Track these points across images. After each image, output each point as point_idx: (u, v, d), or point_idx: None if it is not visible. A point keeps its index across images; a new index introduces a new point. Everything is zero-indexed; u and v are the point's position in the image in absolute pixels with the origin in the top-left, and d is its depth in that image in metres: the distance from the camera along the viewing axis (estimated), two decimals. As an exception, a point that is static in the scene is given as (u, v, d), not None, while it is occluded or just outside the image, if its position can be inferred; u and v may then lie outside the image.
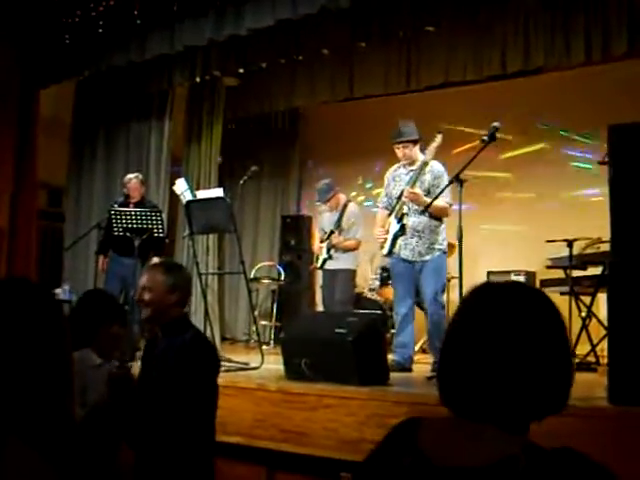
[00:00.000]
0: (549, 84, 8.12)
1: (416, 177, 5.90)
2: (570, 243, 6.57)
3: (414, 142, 6.08)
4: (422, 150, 6.08)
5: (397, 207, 5.97)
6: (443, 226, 6.00)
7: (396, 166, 6.26)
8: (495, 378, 1.38)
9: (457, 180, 5.32)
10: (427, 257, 5.92)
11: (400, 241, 5.95)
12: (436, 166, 5.97)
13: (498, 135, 5.31)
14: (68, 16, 7.65)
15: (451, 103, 8.74)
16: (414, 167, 6.03)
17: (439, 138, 5.81)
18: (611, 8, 6.63)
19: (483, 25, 7.33)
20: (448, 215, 5.98)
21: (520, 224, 8.49)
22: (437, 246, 5.92)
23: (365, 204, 9.40)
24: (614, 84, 7.67)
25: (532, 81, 8.06)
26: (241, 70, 8.15)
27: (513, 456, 1.31)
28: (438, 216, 5.92)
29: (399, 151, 6.10)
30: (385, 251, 6.06)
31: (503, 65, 7.40)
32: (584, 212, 7.66)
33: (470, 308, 1.49)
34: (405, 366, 5.93)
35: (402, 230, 5.92)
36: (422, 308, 6.33)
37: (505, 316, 1.42)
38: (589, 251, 6.65)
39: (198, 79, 8.20)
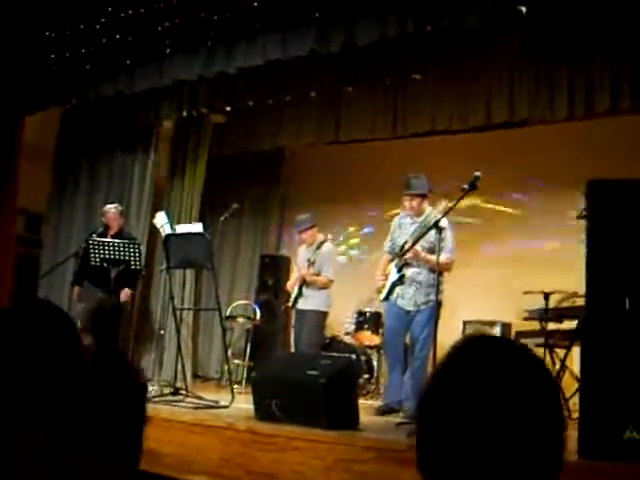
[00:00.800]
0: (534, 137, 8.20)
1: (421, 232, 5.94)
2: (547, 295, 6.60)
3: (422, 197, 6.20)
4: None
5: (398, 257, 6.13)
6: (442, 280, 5.99)
7: (403, 214, 6.42)
8: (484, 450, 1.22)
9: (436, 228, 5.35)
10: (422, 307, 6.06)
11: (398, 289, 6.12)
12: (441, 222, 5.96)
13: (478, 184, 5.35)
14: (58, 44, 7.65)
15: (436, 151, 8.81)
16: (420, 219, 6.15)
17: (444, 204, 5.80)
18: (594, 64, 6.76)
19: (469, 75, 7.45)
20: (450, 269, 6.14)
21: (498, 274, 8.50)
22: (432, 297, 5.87)
23: (341, 248, 9.43)
24: (597, 140, 7.76)
25: (517, 133, 8.14)
26: (228, 108, 8.19)
27: None
28: (441, 270, 5.87)
29: (407, 202, 6.25)
30: (382, 297, 6.25)
31: (488, 116, 7.50)
32: (562, 265, 7.69)
33: (453, 369, 1.32)
34: (394, 408, 6.06)
35: (401, 280, 6.11)
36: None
37: (495, 377, 1.26)
38: (565, 304, 6.68)
39: (185, 114, 8.22)
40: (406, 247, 6.03)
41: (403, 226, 6.33)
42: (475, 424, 1.22)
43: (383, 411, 6.11)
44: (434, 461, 1.27)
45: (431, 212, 6.11)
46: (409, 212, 6.29)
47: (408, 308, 6.11)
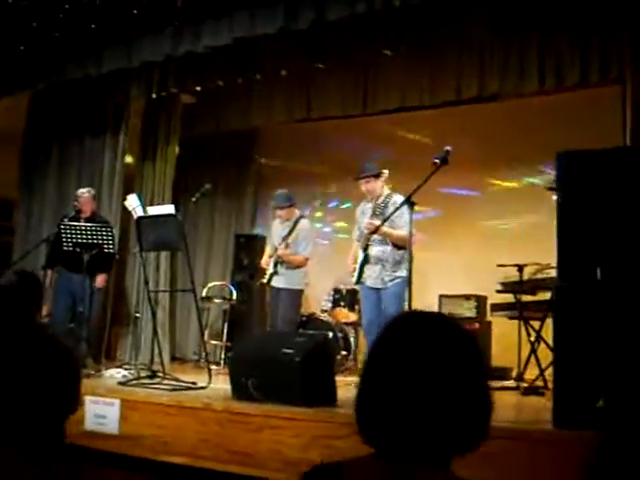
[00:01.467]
0: (503, 111, 8.22)
1: (377, 209, 6.13)
2: (520, 268, 6.64)
3: (375, 177, 6.30)
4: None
5: (363, 238, 6.26)
6: (407, 255, 6.01)
7: (364, 201, 6.50)
8: (414, 414, 1.36)
9: (408, 203, 5.36)
10: (389, 284, 6.15)
11: (366, 269, 6.24)
12: (397, 198, 6.14)
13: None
14: (24, 27, 7.53)
15: (407, 127, 8.81)
16: (379, 201, 6.22)
17: (385, 173, 6.01)
18: (564, 39, 6.79)
19: (439, 51, 7.44)
20: (410, 243, 6.04)
21: (472, 249, 8.54)
22: (399, 274, 6.11)
23: (316, 225, 9.41)
24: (566, 112, 7.80)
25: (487, 108, 8.14)
26: (198, 88, 8.13)
27: None
28: (400, 245, 6.08)
29: (363, 186, 6.35)
30: (354, 280, 6.38)
31: (458, 91, 7.50)
32: (535, 237, 7.73)
33: (388, 341, 1.47)
34: None
35: (366, 259, 6.23)
36: None
37: (423, 349, 1.41)
38: (539, 276, 6.71)
39: (154, 95, 8.15)
40: (365, 224, 6.14)
41: (366, 211, 6.41)
42: (405, 389, 1.37)
43: None
44: (372, 423, 1.42)
45: (390, 193, 6.25)
46: (368, 195, 6.40)
47: (377, 286, 6.25)
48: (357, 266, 6.27)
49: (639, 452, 1.60)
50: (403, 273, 6.08)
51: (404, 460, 1.36)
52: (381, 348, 1.47)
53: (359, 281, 6.32)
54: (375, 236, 6.16)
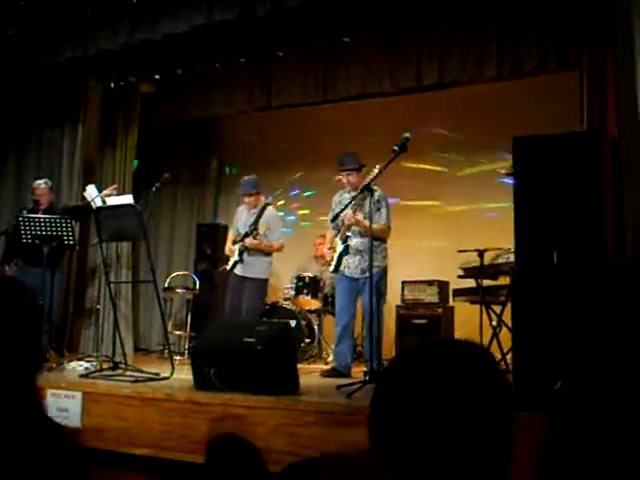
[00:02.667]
0: (463, 97, 8.27)
1: (357, 202, 6.23)
2: (481, 253, 6.68)
3: (357, 170, 6.43)
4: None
5: (342, 230, 6.41)
6: (384, 246, 6.47)
7: (342, 191, 6.62)
8: (428, 445, 1.26)
9: (368, 190, 5.38)
10: (368, 274, 6.09)
11: (344, 260, 6.42)
12: (377, 192, 6.20)
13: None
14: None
15: (368, 114, 8.83)
16: (357, 192, 6.25)
17: (376, 170, 5.90)
18: (522, 26, 6.85)
19: (399, 38, 7.45)
20: (387, 236, 6.47)
21: (433, 235, 8.61)
22: (377, 263, 6.20)
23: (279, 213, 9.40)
24: (525, 97, 7.88)
25: (446, 94, 8.19)
26: (157, 76, 8.06)
27: None
28: (378, 237, 6.22)
29: (343, 178, 6.48)
30: (332, 269, 6.54)
31: (418, 78, 7.52)
32: (497, 222, 7.81)
33: (407, 370, 1.36)
34: (343, 372, 6.38)
35: (346, 250, 6.40)
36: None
37: (450, 379, 1.30)
38: (499, 261, 6.77)
39: (113, 84, 8.07)
40: (342, 216, 6.25)
41: (344, 201, 6.48)
42: (424, 413, 1.27)
43: (330, 374, 6.40)
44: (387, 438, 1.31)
45: (367, 185, 6.22)
46: (348, 187, 6.52)
47: (355, 276, 6.44)
48: (336, 255, 6.43)
49: (589, 434, 1.63)
50: (380, 263, 6.34)
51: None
52: (402, 367, 1.37)
53: (336, 270, 6.48)
54: (354, 228, 6.36)
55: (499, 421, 1.30)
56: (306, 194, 9.91)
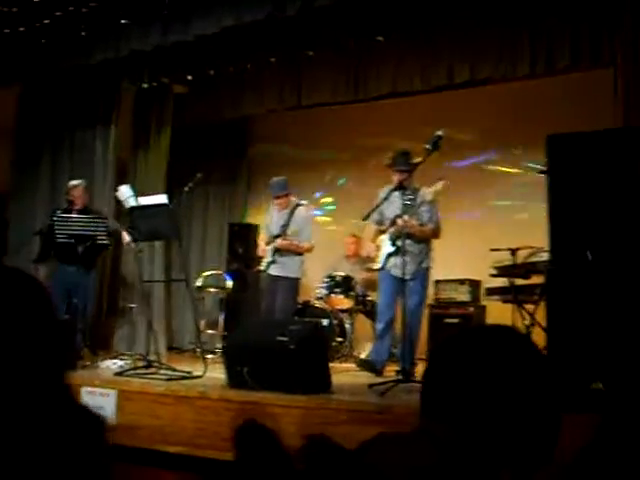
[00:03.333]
0: (494, 95, 8.21)
1: (407, 204, 6.12)
2: (514, 252, 6.64)
3: (410, 172, 6.28)
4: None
5: (392, 229, 6.36)
6: (430, 247, 6.50)
7: (391, 187, 6.35)
8: (476, 425, 1.32)
9: (400, 189, 5.37)
10: (413, 275, 6.24)
11: (392, 259, 6.38)
12: (424, 191, 6.22)
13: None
14: (11, 19, 7.50)
15: (399, 113, 8.80)
16: (407, 192, 6.18)
17: (440, 185, 5.99)
18: (555, 23, 6.78)
19: (431, 36, 7.41)
20: (438, 237, 6.51)
21: (466, 234, 8.55)
22: (423, 265, 6.33)
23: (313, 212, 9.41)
24: (558, 95, 7.81)
25: (478, 92, 8.13)
26: (189, 77, 8.10)
27: None
28: (428, 238, 6.37)
29: (395, 177, 6.33)
30: (378, 266, 6.53)
31: (450, 76, 7.48)
32: (527, 221, 7.76)
33: (453, 353, 1.42)
34: (377, 368, 6.38)
35: (396, 251, 6.32)
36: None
37: (492, 363, 1.35)
38: (532, 260, 6.72)
39: (146, 85, 8.13)
40: (399, 222, 6.17)
41: (392, 199, 6.36)
42: (471, 391, 1.33)
43: (364, 365, 6.48)
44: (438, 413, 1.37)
45: (420, 188, 6.30)
46: (397, 184, 6.34)
47: (400, 276, 6.23)
48: (383, 254, 6.42)
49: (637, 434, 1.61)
50: (426, 264, 6.39)
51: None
52: (450, 357, 1.42)
53: (382, 268, 6.47)
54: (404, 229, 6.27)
55: (544, 402, 1.35)
56: (333, 194, 9.92)
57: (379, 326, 6.57)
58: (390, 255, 6.38)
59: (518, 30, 7.05)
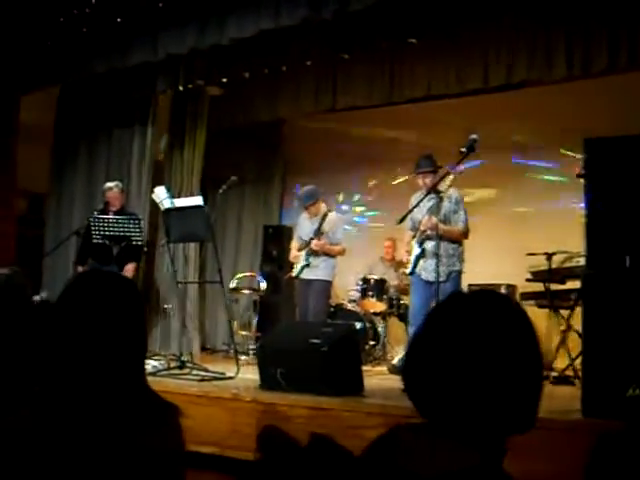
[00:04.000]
0: (529, 98, 8.14)
1: (434, 205, 6.11)
2: (549, 256, 6.59)
3: (433, 172, 6.32)
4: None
5: (419, 232, 6.32)
6: (461, 249, 6.36)
7: (421, 192, 6.40)
8: (461, 390, 1.34)
9: (434, 192, 5.34)
10: (444, 278, 6.16)
11: (421, 262, 6.32)
12: (454, 194, 6.21)
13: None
14: (50, 22, 7.60)
15: (433, 116, 8.76)
16: (431, 195, 6.17)
17: (451, 176, 5.95)
18: (592, 25, 6.70)
19: (466, 38, 7.37)
20: (466, 237, 6.37)
21: (500, 238, 8.48)
22: (454, 268, 6.24)
23: (346, 215, 9.41)
24: (594, 98, 7.71)
25: (513, 95, 8.07)
26: (225, 80, 8.14)
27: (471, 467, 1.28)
28: (456, 240, 6.24)
29: (420, 181, 6.37)
30: (408, 271, 6.47)
31: (485, 79, 7.43)
32: (565, 225, 7.67)
33: (438, 317, 1.45)
34: None
35: (423, 253, 6.31)
36: None
37: (474, 325, 1.37)
38: (568, 264, 6.66)
39: (181, 87, 8.19)
40: (424, 221, 6.20)
41: (421, 203, 6.32)
42: (454, 367, 1.35)
43: (396, 370, 6.47)
44: (420, 396, 1.42)
45: (447, 188, 6.21)
46: (424, 188, 6.34)
47: (432, 280, 6.22)
48: (412, 258, 6.36)
49: None
50: (457, 267, 6.29)
51: (453, 435, 1.35)
52: (434, 323, 1.44)
53: (412, 272, 6.41)
54: (432, 232, 6.21)
55: (529, 363, 1.40)
56: (370, 197, 9.91)
57: (411, 330, 6.52)
58: (418, 258, 6.34)
59: (554, 31, 6.97)
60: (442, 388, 1.36)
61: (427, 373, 1.39)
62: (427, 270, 6.27)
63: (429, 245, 6.27)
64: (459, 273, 6.32)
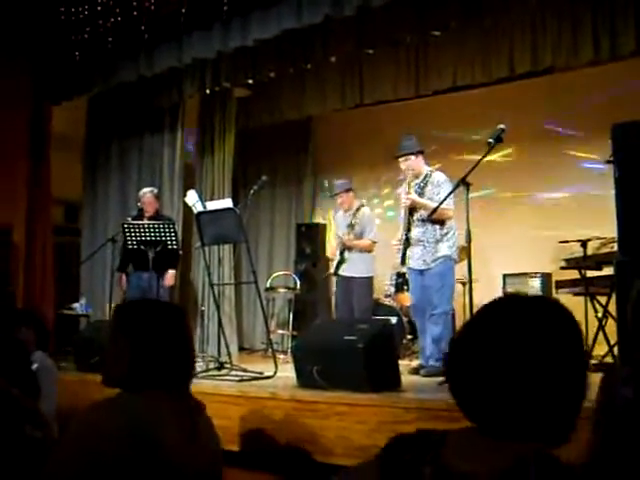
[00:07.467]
0: (556, 85, 8.06)
1: (418, 190, 6.10)
2: (584, 243, 6.52)
3: (415, 154, 6.24)
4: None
5: (404, 219, 6.20)
6: (450, 234, 6.12)
7: (406, 181, 6.33)
8: (507, 393, 1.33)
9: (464, 184, 5.32)
10: (432, 264, 6.06)
11: (408, 251, 6.17)
12: (436, 176, 6.14)
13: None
14: (78, 32, 7.72)
15: (460, 107, 8.71)
16: (418, 180, 6.19)
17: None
18: (618, 7, 6.61)
19: (490, 27, 7.33)
20: (450, 217, 6.09)
21: (532, 225, 8.42)
22: (441, 253, 6.05)
23: (377, 211, 9.40)
24: (622, 83, 7.62)
25: (540, 82, 8.00)
26: (251, 81, 8.19)
27: (524, 461, 1.27)
28: (440, 220, 6.01)
29: (402, 164, 6.28)
30: (399, 261, 6.29)
31: (511, 67, 7.39)
32: (598, 212, 7.59)
33: (484, 321, 1.42)
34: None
35: (407, 241, 6.15)
36: None
37: (522, 331, 1.35)
38: (603, 251, 6.58)
39: (208, 91, 8.25)
40: (402, 199, 6.14)
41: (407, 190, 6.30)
42: (501, 371, 1.33)
43: (417, 371, 6.14)
44: (466, 405, 1.39)
45: (430, 171, 6.24)
46: (407, 172, 6.26)
47: (419, 267, 6.16)
48: (401, 248, 6.20)
49: None
50: (445, 252, 6.07)
51: (504, 437, 1.33)
52: (476, 327, 1.42)
53: (404, 262, 6.26)
54: (416, 217, 6.12)
55: (572, 367, 1.37)
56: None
57: (418, 327, 6.41)
58: (405, 247, 6.17)
59: (579, 14, 6.89)
60: (489, 394, 1.35)
61: (474, 379, 1.37)
62: (413, 258, 6.15)
63: (414, 232, 6.14)
64: (447, 258, 6.08)
